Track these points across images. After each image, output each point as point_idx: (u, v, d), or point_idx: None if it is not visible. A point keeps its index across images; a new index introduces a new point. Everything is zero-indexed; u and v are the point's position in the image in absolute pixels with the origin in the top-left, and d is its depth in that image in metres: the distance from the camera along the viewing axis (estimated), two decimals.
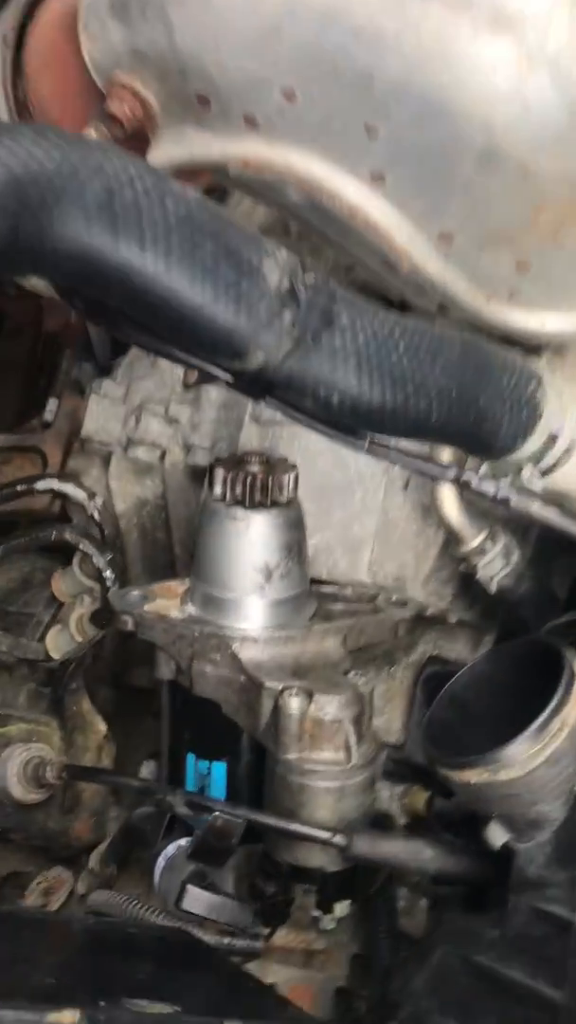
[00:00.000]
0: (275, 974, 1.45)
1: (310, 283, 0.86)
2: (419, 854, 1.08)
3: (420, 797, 1.43)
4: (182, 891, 0.80)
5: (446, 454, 1.11)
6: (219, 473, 1.16)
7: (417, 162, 0.96)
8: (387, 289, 1.15)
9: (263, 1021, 0.84)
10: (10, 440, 1.46)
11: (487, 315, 1.08)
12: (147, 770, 1.46)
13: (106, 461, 1.55)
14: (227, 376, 0.91)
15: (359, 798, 1.12)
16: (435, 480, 1.20)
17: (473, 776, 0.94)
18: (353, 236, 1.08)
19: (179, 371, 1.51)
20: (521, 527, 1.29)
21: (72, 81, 1.13)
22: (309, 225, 1.12)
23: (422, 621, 1.41)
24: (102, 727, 1.42)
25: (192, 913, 0.79)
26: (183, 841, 0.91)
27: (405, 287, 1.13)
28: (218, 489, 1.16)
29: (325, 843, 1.08)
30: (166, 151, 1.08)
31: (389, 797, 1.48)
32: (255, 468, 1.17)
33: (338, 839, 1.08)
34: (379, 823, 1.40)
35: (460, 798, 1.00)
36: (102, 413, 1.52)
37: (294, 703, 1.09)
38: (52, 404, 1.50)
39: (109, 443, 1.53)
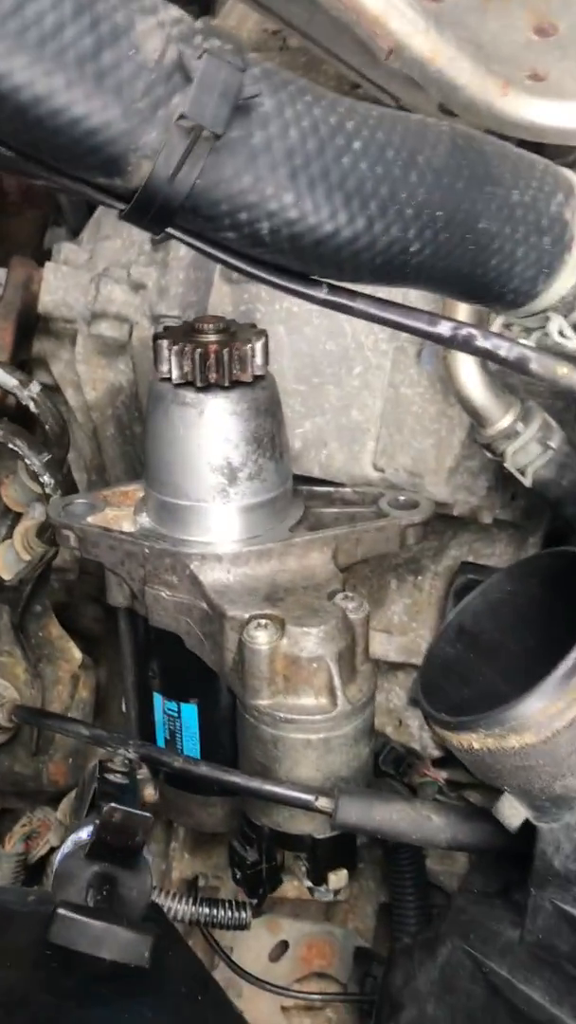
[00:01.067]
0: (287, 930, 1.27)
1: (209, 50, 0.58)
2: (424, 823, 0.85)
3: None
4: (52, 916, 0.59)
5: (462, 310, 0.83)
6: (163, 346, 0.91)
7: None
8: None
9: None
10: None
11: (502, 110, 0.79)
12: None
13: (75, 343, 1.30)
14: (116, 203, 0.65)
15: (350, 751, 0.89)
16: (424, 341, 0.92)
17: (475, 741, 0.69)
18: (312, 7, 0.78)
19: None
20: (565, 405, 1.01)
21: None
22: (306, 33, 0.83)
23: (452, 522, 1.15)
24: (76, 655, 1.22)
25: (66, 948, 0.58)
26: (86, 831, 0.70)
27: (393, 77, 0.83)
28: (164, 367, 0.91)
29: (306, 808, 0.86)
30: None
31: (419, 726, 1.26)
32: (211, 337, 0.91)
33: (322, 803, 0.86)
34: (401, 762, 1.19)
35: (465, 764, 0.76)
36: (60, 283, 1.26)
37: (261, 637, 0.86)
38: (0, 274, 1.25)
39: (72, 319, 1.27)
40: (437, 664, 0.80)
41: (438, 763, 1.25)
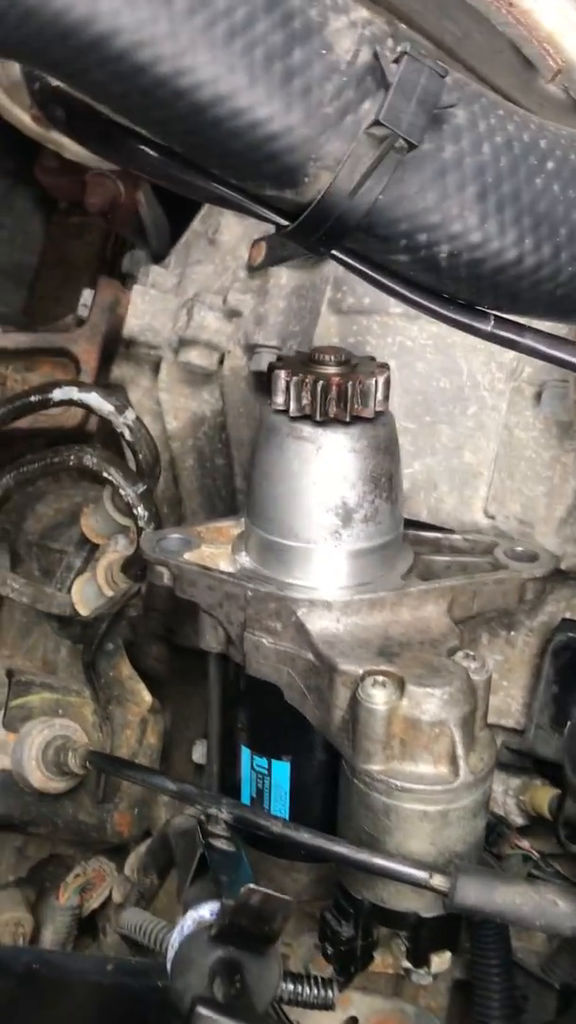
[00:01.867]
0: (357, 1005, 1.18)
1: (405, 53, 0.53)
2: (549, 909, 0.77)
3: (543, 795, 1.13)
4: (191, 1013, 0.53)
5: None
6: (281, 376, 0.84)
7: None
8: None
9: None
10: (33, 341, 1.17)
11: None
12: (201, 751, 1.19)
13: (157, 368, 1.25)
14: (279, 218, 0.59)
15: (467, 825, 0.81)
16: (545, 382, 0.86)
17: None
18: (471, 22, 0.73)
19: (244, 252, 1.19)
20: None
21: None
22: (400, 13, 0.77)
23: (554, 575, 1.08)
24: (146, 697, 1.15)
25: None
26: (207, 910, 0.63)
27: (547, 103, 0.78)
28: (280, 398, 0.85)
29: (420, 885, 0.79)
30: None
31: (504, 792, 1.18)
32: (331, 369, 0.85)
33: (437, 881, 0.78)
34: (490, 831, 1.11)
35: None
36: (148, 307, 1.21)
37: (379, 696, 0.79)
38: (86, 296, 1.19)
39: (158, 345, 1.22)
40: None
41: (522, 831, 1.17)
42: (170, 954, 0.61)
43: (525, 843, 1.12)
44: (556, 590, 1.13)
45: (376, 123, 0.52)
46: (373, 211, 0.56)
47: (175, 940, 0.62)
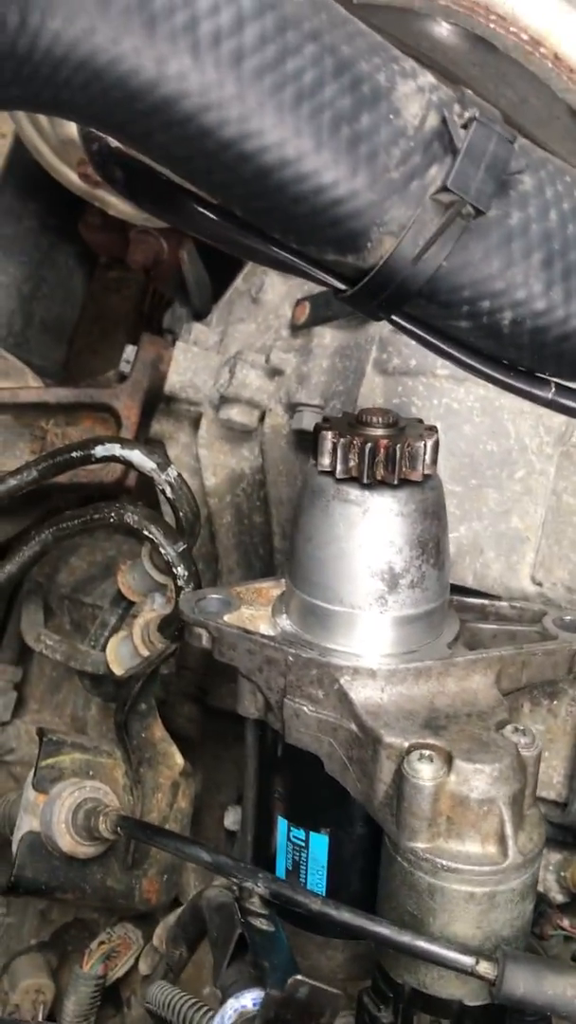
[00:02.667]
0: None
1: (473, 119, 0.52)
2: None
3: None
4: None
5: None
6: (327, 437, 0.83)
7: None
8: None
9: None
10: (76, 396, 1.17)
11: None
12: (232, 816, 1.16)
13: (196, 425, 1.24)
14: (338, 282, 0.58)
15: (515, 908, 0.78)
16: None
17: None
18: (529, 88, 0.73)
19: (287, 311, 1.19)
20: None
21: None
22: (457, 79, 0.77)
23: None
24: (178, 760, 1.12)
25: None
26: (251, 998, 0.60)
27: None
28: (326, 460, 0.83)
29: (465, 972, 0.75)
30: None
31: (544, 867, 1.14)
32: (378, 431, 0.84)
33: (484, 968, 0.75)
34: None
35: None
36: (190, 364, 1.21)
37: (426, 771, 0.76)
38: (129, 352, 1.19)
39: (198, 402, 1.22)
40: None
41: (562, 909, 1.13)
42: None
43: (566, 922, 1.08)
44: None
45: (443, 189, 0.52)
46: (436, 277, 0.54)
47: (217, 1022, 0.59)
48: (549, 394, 0.62)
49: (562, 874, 1.14)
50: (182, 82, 0.49)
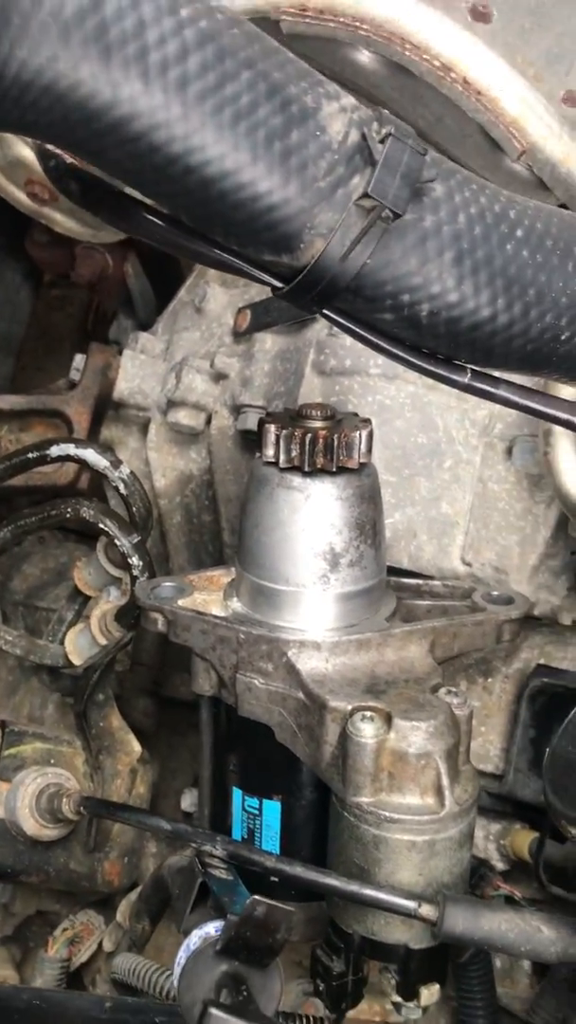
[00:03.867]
0: None
1: (390, 134, 0.60)
2: (534, 935, 0.80)
3: (524, 839, 1.16)
4: (203, 1016, 0.55)
5: (566, 392, 0.83)
6: (271, 430, 0.90)
7: None
8: None
9: None
10: (28, 402, 1.22)
11: None
12: (189, 799, 1.22)
13: (145, 430, 1.31)
14: (276, 281, 0.65)
15: (454, 855, 0.85)
16: (550, 435, 0.92)
17: None
18: (443, 109, 0.81)
19: (229, 319, 1.26)
20: None
21: None
22: (379, 101, 0.85)
23: (525, 623, 1.13)
24: (136, 748, 1.18)
25: None
26: (212, 927, 0.66)
27: (513, 181, 0.85)
28: (270, 451, 0.90)
29: (409, 915, 0.82)
30: None
31: (484, 837, 1.21)
32: (317, 424, 0.91)
33: (426, 910, 0.81)
34: (473, 874, 1.14)
35: None
36: (138, 371, 1.27)
37: (368, 730, 0.83)
38: (78, 360, 1.25)
39: (146, 407, 1.28)
40: (561, 764, 0.77)
41: (504, 877, 1.20)
42: (176, 971, 0.64)
43: (508, 886, 1.15)
44: (530, 637, 1.18)
45: (365, 195, 0.59)
46: (361, 274, 0.62)
47: (181, 957, 0.65)
48: (465, 379, 0.70)
49: (502, 842, 1.21)
50: (134, 104, 0.55)
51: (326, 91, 0.60)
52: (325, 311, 0.66)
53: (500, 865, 1.21)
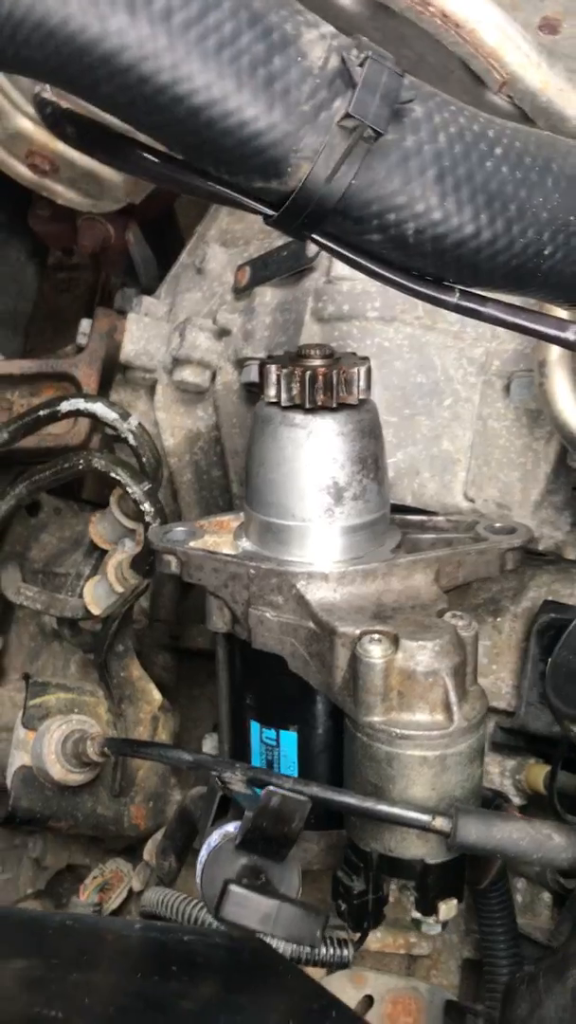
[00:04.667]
0: (372, 983, 1.22)
1: (368, 57, 0.62)
2: (545, 842, 0.83)
3: (538, 772, 1.19)
4: (223, 893, 0.59)
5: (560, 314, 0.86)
6: (272, 371, 0.93)
7: None
8: None
9: None
10: (38, 366, 1.26)
11: None
12: (209, 744, 1.25)
13: (152, 392, 1.34)
14: (267, 209, 0.68)
15: (464, 770, 0.88)
16: (545, 365, 0.94)
17: None
18: (425, 46, 0.83)
19: (230, 278, 1.29)
20: None
21: None
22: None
23: (533, 559, 1.16)
24: (156, 696, 1.21)
25: (237, 924, 0.57)
26: (231, 826, 0.69)
27: (496, 113, 0.87)
28: (272, 391, 0.93)
29: (423, 828, 0.85)
30: None
31: (500, 773, 1.24)
32: (317, 362, 0.94)
33: (439, 823, 0.84)
34: (489, 804, 1.17)
35: None
36: (143, 333, 1.30)
37: (376, 651, 0.86)
38: (85, 325, 1.29)
39: (153, 368, 1.31)
40: (562, 671, 0.80)
41: (520, 812, 1.22)
42: (199, 868, 0.67)
43: (522, 816, 1.17)
44: (536, 576, 1.20)
45: (347, 116, 0.62)
46: (347, 195, 0.64)
47: (203, 855, 0.68)
48: (454, 299, 0.72)
49: (517, 777, 1.23)
50: (122, 36, 0.58)
51: (306, 19, 0.63)
52: (316, 236, 0.69)
53: (517, 800, 1.23)
